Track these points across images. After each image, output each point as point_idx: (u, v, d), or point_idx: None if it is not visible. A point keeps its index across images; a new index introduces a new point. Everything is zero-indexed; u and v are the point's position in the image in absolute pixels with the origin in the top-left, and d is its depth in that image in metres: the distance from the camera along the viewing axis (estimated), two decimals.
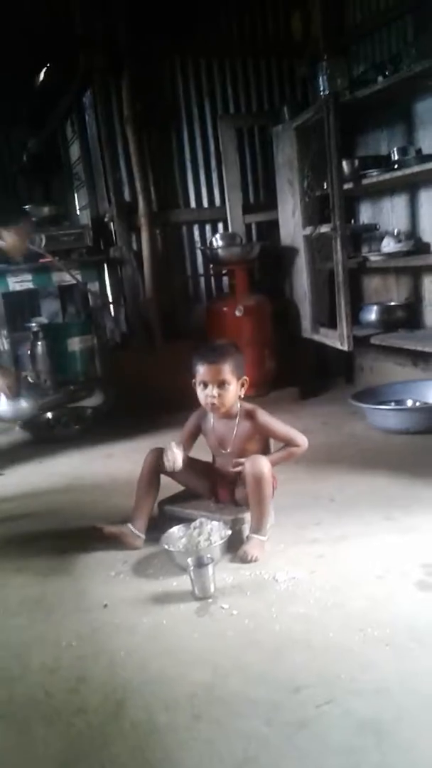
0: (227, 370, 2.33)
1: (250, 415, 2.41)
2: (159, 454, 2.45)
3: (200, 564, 2.02)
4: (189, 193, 4.73)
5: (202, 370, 2.34)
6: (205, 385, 2.33)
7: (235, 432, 2.42)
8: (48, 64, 4.77)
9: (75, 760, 1.39)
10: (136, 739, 1.42)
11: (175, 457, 2.33)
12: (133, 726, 1.46)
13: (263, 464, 2.27)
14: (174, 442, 2.39)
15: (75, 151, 4.98)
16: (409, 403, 3.47)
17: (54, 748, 1.43)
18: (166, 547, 2.25)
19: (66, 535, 2.54)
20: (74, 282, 4.22)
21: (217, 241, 4.38)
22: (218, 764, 1.32)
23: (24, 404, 3.58)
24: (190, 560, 2.05)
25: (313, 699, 1.47)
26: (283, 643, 1.70)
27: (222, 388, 2.32)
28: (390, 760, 1.28)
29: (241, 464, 2.35)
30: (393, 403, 3.41)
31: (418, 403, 3.46)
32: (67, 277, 4.20)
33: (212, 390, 2.32)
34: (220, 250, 4.30)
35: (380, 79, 3.50)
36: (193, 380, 2.41)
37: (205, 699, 1.52)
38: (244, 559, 2.18)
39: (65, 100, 4.85)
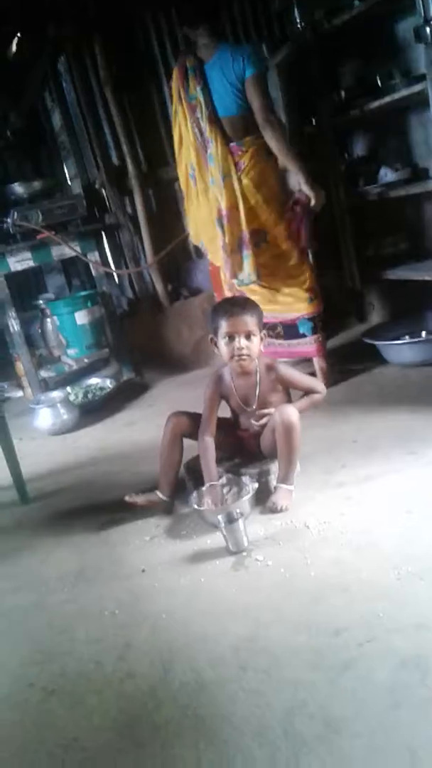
0: (252, 322, 2.30)
1: (269, 369, 2.40)
2: (179, 417, 2.47)
3: (231, 519, 2.05)
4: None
5: (226, 324, 2.30)
6: (231, 338, 2.30)
7: (258, 387, 2.41)
8: (18, 34, 4.65)
9: (130, 725, 1.43)
10: (186, 698, 1.46)
11: (216, 498, 2.28)
12: (181, 685, 1.50)
13: (292, 412, 2.26)
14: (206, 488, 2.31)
15: (57, 120, 4.89)
16: (423, 334, 3.42)
17: (108, 716, 1.47)
18: (196, 507, 2.27)
19: (98, 507, 2.58)
20: (75, 254, 4.19)
21: None
22: (268, 713, 1.35)
23: (66, 417, 3.63)
24: (220, 517, 2.07)
25: (354, 640, 1.49)
26: (320, 589, 1.72)
27: (249, 339, 2.30)
28: None
29: (267, 415, 2.36)
30: (406, 336, 3.37)
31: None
32: (66, 251, 4.17)
33: (240, 341, 2.29)
34: None
35: (356, 2, 3.36)
36: (211, 337, 2.39)
37: (249, 651, 1.55)
38: (274, 510, 2.20)
39: (40, 69, 4.74)
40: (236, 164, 3.14)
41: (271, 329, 3.35)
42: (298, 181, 3.18)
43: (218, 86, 3.09)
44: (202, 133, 3.17)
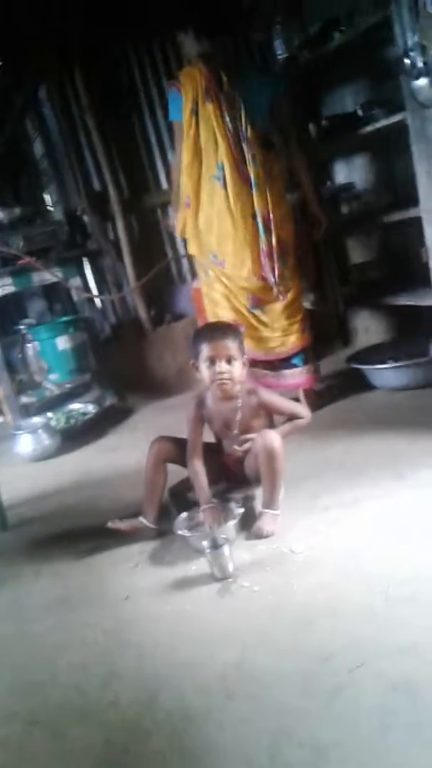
0: (233, 346, 2.31)
1: (251, 393, 2.40)
2: (163, 442, 2.46)
3: (216, 545, 2.02)
4: (159, 175, 4.67)
5: (207, 348, 2.30)
6: (212, 362, 2.30)
7: (239, 412, 2.40)
8: None
9: (114, 756, 1.39)
10: (172, 727, 1.43)
11: (215, 519, 2.26)
12: (167, 715, 1.47)
13: (274, 438, 2.26)
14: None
15: (38, 147, 4.91)
16: (407, 359, 3.43)
17: (91, 747, 1.43)
18: (181, 533, 2.25)
19: (81, 534, 2.53)
20: (56, 280, 4.18)
21: None
22: (256, 741, 1.32)
23: (47, 443, 3.60)
24: (205, 543, 2.04)
25: (344, 665, 1.47)
26: (308, 613, 1.69)
27: (230, 363, 2.30)
28: (423, 718, 1.28)
29: (249, 440, 2.35)
30: (390, 361, 3.39)
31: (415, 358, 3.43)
32: (47, 276, 4.16)
33: (221, 365, 2.29)
34: None
35: (337, 35, 3.43)
36: (193, 362, 2.39)
37: (237, 678, 1.52)
38: (259, 535, 2.18)
39: (21, 98, 4.77)
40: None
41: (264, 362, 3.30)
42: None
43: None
44: (238, 132, 3.06)
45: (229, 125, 3.04)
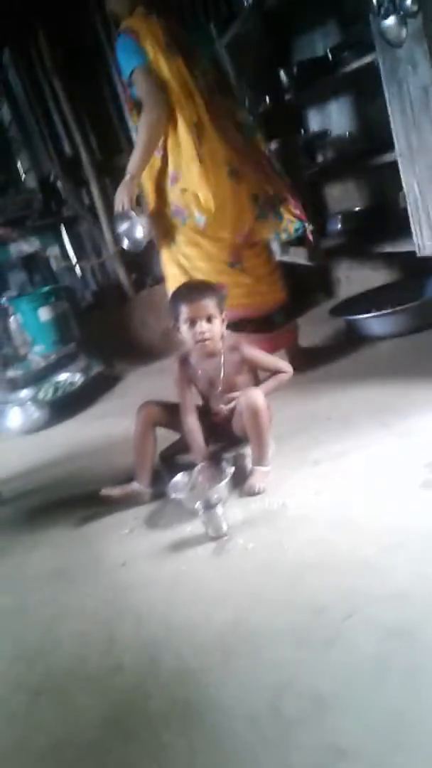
0: (212, 304, 2.30)
1: (234, 349, 2.39)
2: (150, 406, 2.46)
3: (209, 505, 2.03)
4: (131, 136, 4.57)
5: (186, 309, 2.29)
6: (193, 323, 2.29)
7: (222, 368, 2.40)
8: None
9: (119, 719, 1.42)
10: (174, 687, 1.45)
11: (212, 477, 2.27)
12: (169, 676, 1.49)
13: (257, 395, 2.26)
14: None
15: (5, 113, 4.79)
16: (389, 306, 3.42)
17: (97, 712, 1.46)
18: (174, 495, 2.26)
19: (74, 503, 2.55)
20: (34, 250, 4.13)
21: None
22: (256, 695, 1.35)
23: (36, 415, 3.59)
24: (198, 503, 2.05)
25: (336, 616, 1.49)
26: (301, 568, 1.71)
27: (210, 322, 2.29)
28: (420, 662, 1.30)
29: (234, 399, 2.35)
30: (373, 310, 3.37)
31: (397, 306, 3.42)
32: (25, 247, 4.11)
33: (201, 325, 2.28)
34: None
35: None
36: (174, 324, 2.38)
37: (233, 635, 1.54)
38: (251, 492, 2.19)
39: None
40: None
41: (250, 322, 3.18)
42: None
43: None
44: (209, 88, 2.94)
45: (200, 80, 2.92)
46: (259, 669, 1.42)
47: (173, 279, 3.06)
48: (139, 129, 2.86)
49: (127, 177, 2.91)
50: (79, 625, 1.79)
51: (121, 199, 2.95)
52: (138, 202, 3.00)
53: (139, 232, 2.98)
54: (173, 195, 2.95)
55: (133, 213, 2.94)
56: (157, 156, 2.94)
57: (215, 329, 2.31)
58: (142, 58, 2.81)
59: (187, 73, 2.89)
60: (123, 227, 3.01)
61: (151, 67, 2.81)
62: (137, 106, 2.92)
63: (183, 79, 2.88)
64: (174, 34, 2.89)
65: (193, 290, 2.36)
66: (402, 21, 2.58)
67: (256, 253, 3.14)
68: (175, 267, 3.09)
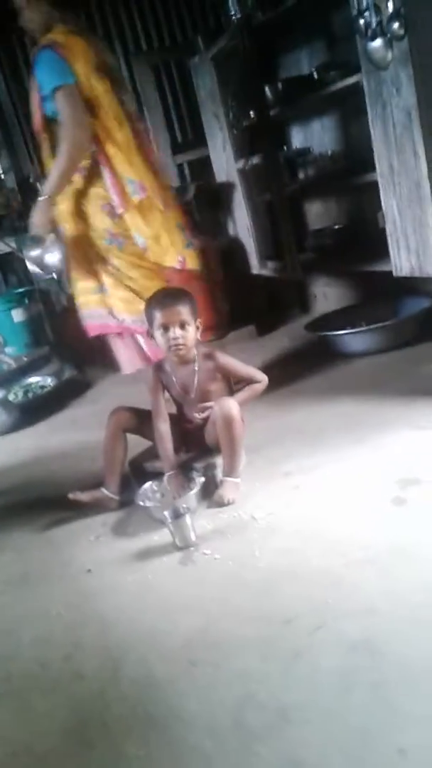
0: (185, 311, 2.29)
1: (208, 357, 2.39)
2: (122, 412, 2.44)
3: (177, 515, 2.01)
4: None
5: (160, 315, 2.28)
6: (166, 329, 2.28)
7: (196, 376, 2.39)
8: None
9: (79, 726, 1.39)
10: (136, 696, 1.43)
11: (179, 487, 2.28)
12: (131, 684, 1.47)
13: (231, 405, 2.25)
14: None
15: None
16: (364, 324, 3.45)
17: (57, 719, 1.43)
18: (142, 503, 2.25)
19: (42, 507, 2.51)
20: (9, 250, 4.09)
21: None
22: (219, 706, 1.34)
23: (4, 417, 3.55)
24: (166, 513, 2.04)
25: (304, 628, 1.49)
26: (269, 579, 1.71)
27: (183, 329, 2.28)
28: (385, 677, 1.30)
29: (208, 408, 2.34)
30: (348, 327, 3.40)
31: (373, 324, 3.46)
32: (1, 247, 4.07)
33: (175, 332, 2.28)
34: None
35: None
36: (147, 330, 2.37)
37: (199, 645, 1.53)
38: (221, 503, 2.18)
39: None
40: None
41: None
42: None
43: None
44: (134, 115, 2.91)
45: (127, 105, 2.87)
46: (224, 680, 1.41)
47: (126, 303, 2.90)
48: (61, 149, 2.69)
49: (44, 198, 2.75)
50: (43, 630, 1.76)
51: (40, 221, 2.77)
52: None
53: (53, 258, 2.82)
54: (109, 222, 2.82)
55: (49, 237, 2.78)
56: (78, 176, 2.79)
57: (189, 336, 2.30)
58: (69, 77, 2.64)
59: (116, 98, 2.81)
60: (36, 252, 2.85)
61: (79, 88, 2.67)
62: (49, 123, 2.77)
63: (114, 103, 2.80)
64: (100, 56, 2.82)
65: (167, 296, 2.35)
66: (388, 44, 2.63)
67: (185, 277, 3.01)
68: (124, 291, 2.91)
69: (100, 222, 2.81)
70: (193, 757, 1.24)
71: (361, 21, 2.71)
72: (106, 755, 1.30)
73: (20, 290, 4.41)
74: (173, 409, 2.51)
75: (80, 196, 2.81)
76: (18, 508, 2.60)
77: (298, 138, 4.34)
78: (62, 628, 1.75)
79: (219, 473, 2.33)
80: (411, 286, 3.36)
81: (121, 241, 2.83)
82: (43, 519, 2.41)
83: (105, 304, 2.92)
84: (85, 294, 2.94)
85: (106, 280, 2.91)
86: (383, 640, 1.39)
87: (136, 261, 2.88)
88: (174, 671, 1.47)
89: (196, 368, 2.38)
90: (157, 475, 2.37)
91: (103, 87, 2.75)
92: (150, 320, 2.33)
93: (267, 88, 3.79)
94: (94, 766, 1.29)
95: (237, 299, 4.29)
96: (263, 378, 2.41)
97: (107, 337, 3.03)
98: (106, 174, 2.75)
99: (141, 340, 2.93)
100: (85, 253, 2.87)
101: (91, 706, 1.44)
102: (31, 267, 2.99)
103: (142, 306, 2.67)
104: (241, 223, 4.27)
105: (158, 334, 2.30)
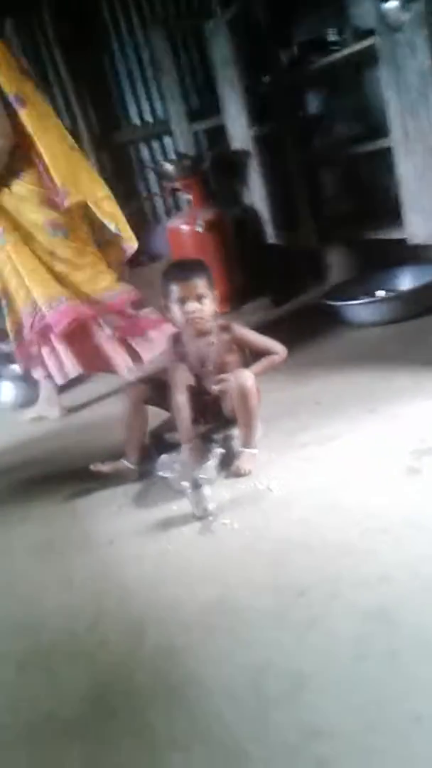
0: (202, 283, 2.30)
1: (225, 329, 2.41)
2: (140, 385, 2.47)
3: (196, 485, 2.05)
4: (129, 111, 4.54)
5: (177, 288, 2.30)
6: (183, 302, 2.30)
7: (213, 348, 2.41)
8: None
9: (103, 693, 1.45)
10: (158, 664, 1.48)
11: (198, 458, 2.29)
12: (153, 652, 1.52)
13: (247, 376, 2.27)
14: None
15: None
16: (379, 293, 3.45)
17: (81, 686, 1.49)
18: (162, 474, 2.29)
19: (65, 479, 2.57)
20: None
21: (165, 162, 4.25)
22: (238, 674, 1.38)
23: (29, 390, 3.59)
24: (186, 483, 2.08)
25: (319, 597, 1.53)
26: (285, 549, 1.75)
27: (200, 301, 2.30)
28: (398, 644, 1.34)
29: (224, 380, 2.37)
30: (364, 297, 3.39)
31: (388, 293, 3.45)
32: None
33: (192, 304, 2.29)
34: (170, 166, 4.17)
35: None
36: (164, 303, 2.39)
37: (218, 614, 1.58)
38: (238, 474, 2.22)
39: None
40: None
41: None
42: None
43: None
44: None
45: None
46: (241, 648, 1.45)
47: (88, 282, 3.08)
48: None
49: None
50: (67, 599, 1.82)
51: None
52: None
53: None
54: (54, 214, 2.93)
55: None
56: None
57: (206, 308, 2.32)
58: None
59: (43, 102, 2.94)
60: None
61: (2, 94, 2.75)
62: None
63: (43, 102, 2.94)
64: (20, 61, 2.92)
65: (183, 269, 2.36)
66: (404, 5, 2.58)
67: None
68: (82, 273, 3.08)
69: (44, 216, 2.90)
70: (212, 723, 1.29)
71: None
72: (130, 722, 1.36)
73: None
74: (191, 381, 2.54)
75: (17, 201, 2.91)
76: (40, 479, 2.66)
77: (313, 104, 4.27)
78: (86, 598, 1.80)
79: (236, 444, 2.36)
80: (427, 254, 3.34)
81: (65, 231, 2.95)
82: (65, 490, 2.46)
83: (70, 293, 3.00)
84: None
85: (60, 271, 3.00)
86: (397, 608, 1.43)
87: (82, 247, 3.02)
88: (193, 639, 1.52)
89: (213, 340, 2.40)
90: (176, 446, 2.40)
91: (30, 87, 2.84)
92: (166, 293, 2.34)
93: (282, 52, 3.73)
94: (118, 733, 1.35)
95: (252, 270, 4.29)
96: (281, 349, 2.41)
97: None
98: (42, 171, 2.86)
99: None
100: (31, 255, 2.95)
101: (114, 674, 1.50)
102: None
103: (105, 282, 2.96)
104: (256, 192, 4.24)
105: (175, 307, 2.32)
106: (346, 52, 3.28)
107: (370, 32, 3.02)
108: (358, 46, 3.20)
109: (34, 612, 1.82)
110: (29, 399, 3.62)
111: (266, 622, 1.51)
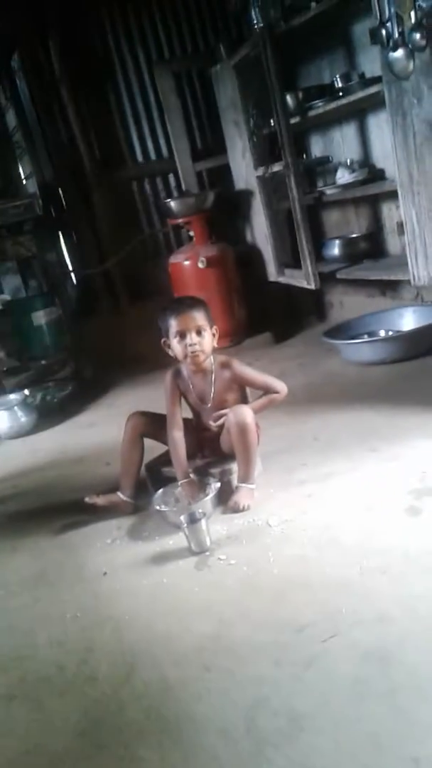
0: (201, 317, 2.30)
1: (225, 366, 2.39)
2: (139, 417, 2.46)
3: (193, 520, 2.03)
4: (135, 148, 4.62)
5: (176, 322, 2.29)
6: (182, 336, 2.30)
7: (213, 385, 2.40)
8: None
9: (92, 728, 1.41)
10: (149, 699, 1.45)
11: (193, 493, 2.29)
12: (145, 686, 1.49)
13: (246, 413, 2.26)
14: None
15: (11, 118, 4.82)
16: (382, 333, 3.46)
17: (71, 720, 1.45)
18: (158, 507, 2.26)
19: (58, 510, 2.54)
20: (30, 254, 4.13)
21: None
22: (232, 711, 1.35)
23: (23, 420, 3.58)
24: (182, 517, 2.06)
25: (317, 636, 1.50)
26: (283, 586, 1.72)
27: (200, 335, 2.30)
28: (396, 685, 1.31)
29: (223, 416, 2.35)
30: (365, 336, 3.41)
31: (390, 333, 3.47)
32: (22, 251, 4.11)
33: (192, 338, 2.29)
34: (173, 204, 4.22)
35: (313, 4, 3.39)
36: (164, 340, 2.38)
37: (213, 650, 1.55)
38: (236, 509, 2.20)
39: None
40: None
41: None
42: None
43: None
44: None
45: None
46: (237, 685, 1.42)
47: None
48: None
49: None
50: (59, 631, 1.78)
51: None
52: None
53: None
54: None
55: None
56: None
57: (205, 342, 2.31)
58: None
59: None
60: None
61: None
62: None
63: None
64: None
65: (182, 303, 2.36)
66: (410, 54, 2.64)
67: None
68: None
69: None
70: (206, 760, 1.25)
71: (383, 31, 2.72)
72: (120, 757, 1.31)
73: (40, 294, 4.44)
74: (190, 415, 2.52)
75: None
76: (35, 510, 2.63)
77: (317, 147, 4.35)
78: (77, 631, 1.76)
79: (234, 479, 2.34)
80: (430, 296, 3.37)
81: None
82: (59, 521, 2.43)
83: None
84: None
85: None
86: (396, 649, 1.40)
87: None
88: (187, 675, 1.48)
89: (213, 377, 2.39)
90: (173, 480, 2.38)
91: None
92: (165, 329, 2.34)
93: (288, 96, 3.81)
94: (105, 767, 1.30)
95: (254, 306, 4.32)
96: (282, 388, 2.39)
97: None
98: None
99: None
100: None
101: (104, 708, 1.46)
102: None
103: None
104: (260, 231, 4.30)
105: (175, 341, 2.31)
106: (351, 98, 3.34)
107: (376, 79, 3.08)
108: (363, 93, 3.26)
109: (24, 644, 1.77)
110: (24, 429, 3.61)
111: (263, 659, 1.47)
